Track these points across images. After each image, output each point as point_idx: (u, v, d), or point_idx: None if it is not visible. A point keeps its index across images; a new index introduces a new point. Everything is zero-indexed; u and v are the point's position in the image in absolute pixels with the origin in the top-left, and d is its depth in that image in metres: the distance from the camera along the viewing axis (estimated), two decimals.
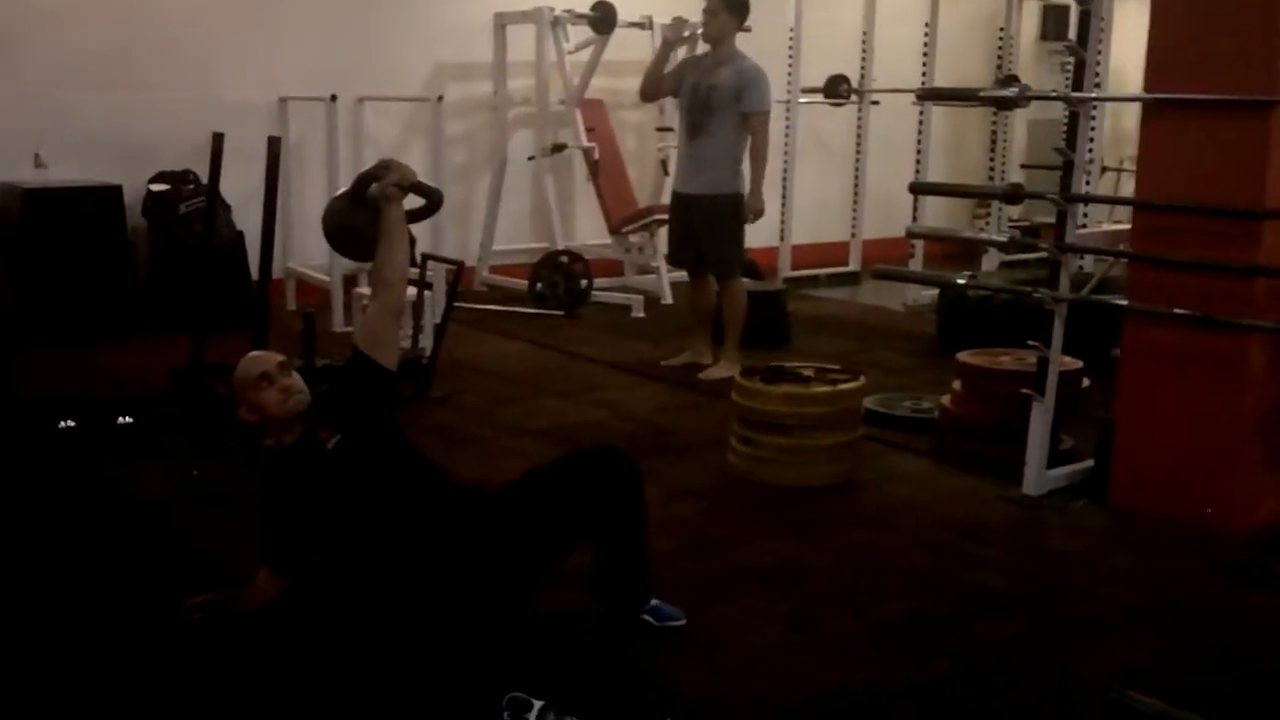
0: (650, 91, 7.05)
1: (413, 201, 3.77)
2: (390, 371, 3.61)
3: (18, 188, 7.43)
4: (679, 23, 7.00)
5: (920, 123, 9.65)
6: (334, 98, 7.88)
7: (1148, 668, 3.48)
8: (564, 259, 8.77)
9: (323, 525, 3.51)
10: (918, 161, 9.64)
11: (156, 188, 7.86)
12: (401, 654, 3.23)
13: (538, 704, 3.03)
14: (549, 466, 3.61)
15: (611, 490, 3.48)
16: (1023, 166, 11.10)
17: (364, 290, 7.50)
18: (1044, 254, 4.97)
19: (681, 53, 7.57)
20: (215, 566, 3.96)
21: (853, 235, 10.52)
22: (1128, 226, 4.87)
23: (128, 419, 5.26)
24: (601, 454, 3.61)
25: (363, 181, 3.71)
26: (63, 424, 5.14)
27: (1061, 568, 4.23)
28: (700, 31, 6.91)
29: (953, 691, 3.36)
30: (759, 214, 6.61)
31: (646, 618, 3.58)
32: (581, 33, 9.10)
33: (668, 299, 8.85)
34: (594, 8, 8.93)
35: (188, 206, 7.70)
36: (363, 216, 3.71)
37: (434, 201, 3.87)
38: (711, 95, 6.53)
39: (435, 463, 3.66)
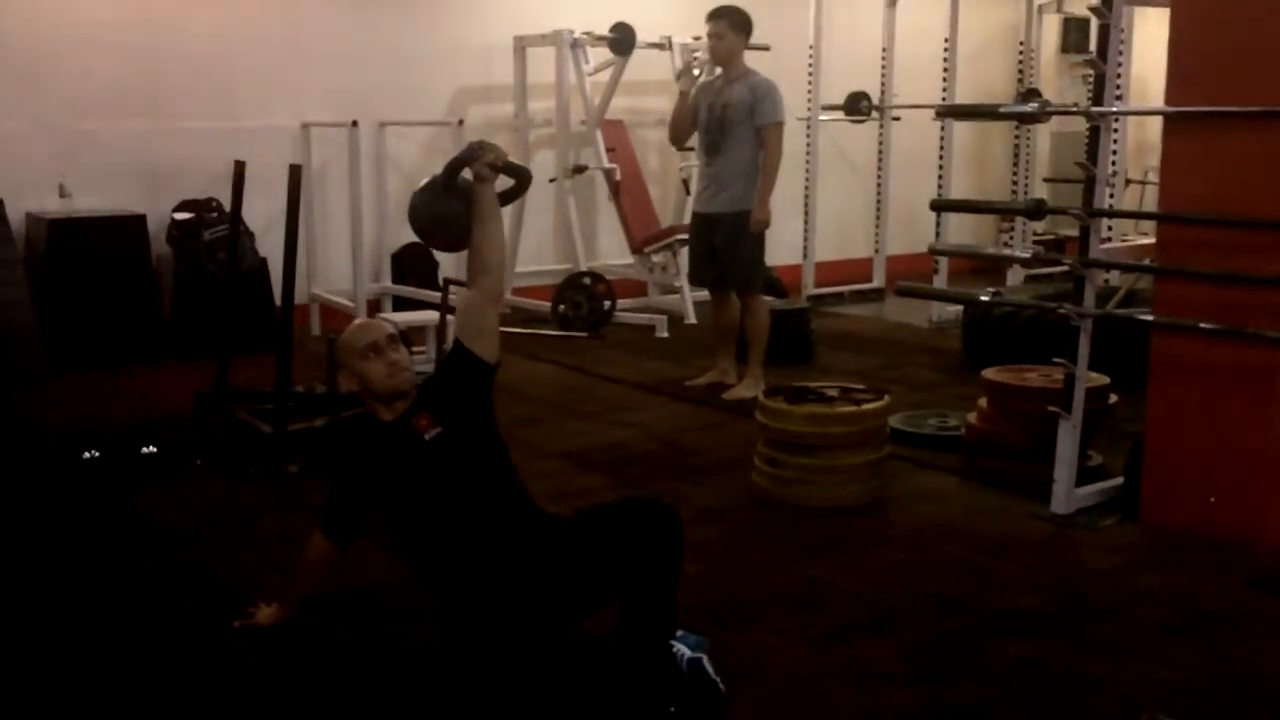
0: (679, 137, 7.08)
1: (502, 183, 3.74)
2: (491, 365, 3.56)
3: (43, 218, 7.48)
4: (688, 68, 6.98)
5: (942, 138, 9.62)
6: (355, 123, 7.91)
7: (1181, 687, 3.44)
8: (587, 280, 8.77)
9: (397, 512, 3.53)
10: (940, 177, 9.61)
11: (180, 216, 7.90)
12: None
13: None
14: (602, 514, 3.57)
15: (653, 552, 3.37)
16: (1046, 180, 11.05)
17: (388, 315, 7.54)
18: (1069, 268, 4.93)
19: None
20: (237, 593, 3.95)
21: (876, 251, 10.50)
22: (1153, 240, 4.84)
23: (152, 448, 5.26)
24: (650, 514, 3.46)
25: (455, 167, 3.65)
26: (87, 454, 5.14)
27: (1092, 586, 4.19)
28: (709, 55, 6.91)
29: (985, 714, 3.32)
30: (763, 225, 6.59)
31: (675, 646, 3.48)
32: (601, 54, 9.13)
33: (691, 318, 8.83)
34: (613, 29, 8.95)
35: (211, 234, 7.73)
36: (454, 203, 3.65)
37: (523, 181, 3.82)
38: (726, 113, 6.55)
39: (518, 476, 3.62)
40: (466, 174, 3.65)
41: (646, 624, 3.43)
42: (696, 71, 6.89)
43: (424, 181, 3.77)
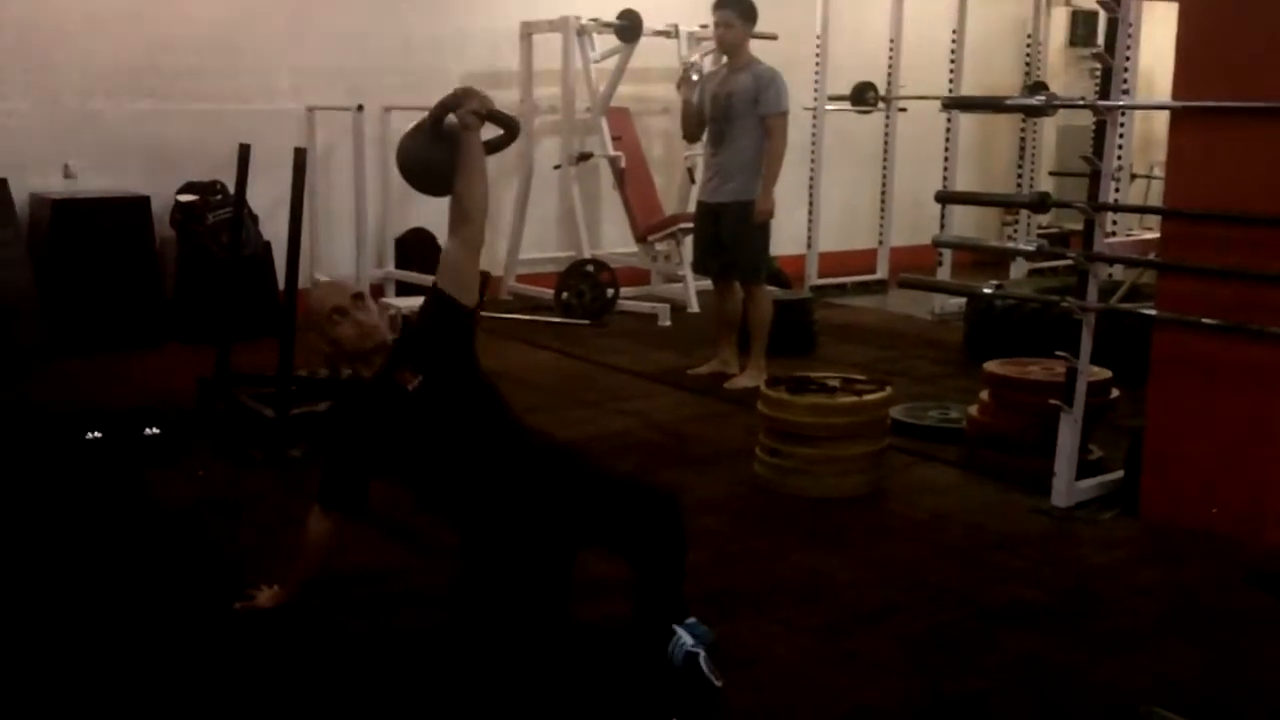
0: (693, 135, 7.10)
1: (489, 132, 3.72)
2: (469, 309, 3.58)
3: (47, 198, 7.48)
4: (686, 76, 6.97)
5: (948, 130, 9.61)
6: (360, 107, 7.90)
7: (1180, 681, 3.44)
8: (590, 268, 8.78)
9: (401, 465, 3.55)
10: (945, 168, 9.60)
11: (184, 198, 7.89)
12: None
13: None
14: (609, 482, 3.61)
15: (652, 540, 3.44)
16: (1051, 174, 11.04)
17: (390, 301, 7.55)
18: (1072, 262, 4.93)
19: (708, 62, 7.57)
20: (239, 574, 3.95)
21: (880, 243, 10.49)
22: (1157, 235, 4.84)
23: (155, 430, 5.26)
24: (658, 505, 3.51)
25: (442, 111, 3.63)
26: (90, 435, 5.14)
27: (1092, 580, 4.19)
28: (715, 43, 6.91)
29: (984, 706, 3.33)
30: (767, 215, 6.58)
31: (679, 631, 3.50)
32: (607, 41, 9.11)
33: (694, 307, 8.84)
34: (620, 16, 8.93)
35: (215, 217, 7.72)
36: (440, 150, 3.64)
37: (511, 130, 3.78)
38: (730, 103, 6.54)
39: (510, 407, 3.66)
40: (453, 121, 3.63)
41: (653, 606, 3.46)
42: (695, 77, 6.88)
43: (412, 125, 3.75)
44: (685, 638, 3.38)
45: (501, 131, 3.76)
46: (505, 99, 9.21)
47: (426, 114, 3.68)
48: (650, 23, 9.00)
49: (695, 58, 7.57)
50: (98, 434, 5.16)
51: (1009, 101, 6.02)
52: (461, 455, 3.50)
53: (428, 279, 7.56)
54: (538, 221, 9.59)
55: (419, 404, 3.50)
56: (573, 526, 3.49)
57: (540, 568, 3.46)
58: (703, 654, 3.35)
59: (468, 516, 3.55)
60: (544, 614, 3.45)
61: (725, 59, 6.80)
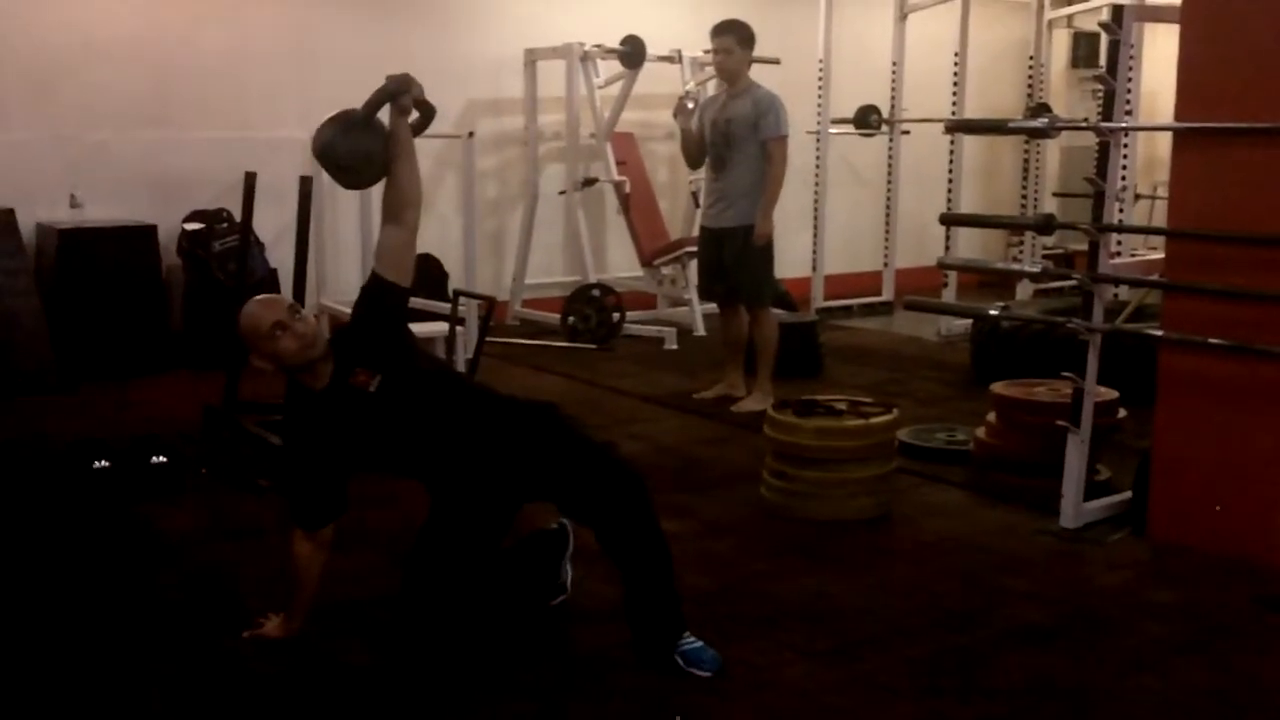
0: (694, 160, 7.12)
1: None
2: (405, 288, 3.65)
3: (54, 228, 7.50)
4: (682, 106, 6.98)
5: (951, 152, 9.62)
6: None
7: (1191, 703, 3.44)
8: (596, 292, 8.79)
9: (374, 462, 3.63)
10: (949, 190, 9.61)
11: (191, 226, 7.92)
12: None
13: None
14: (574, 438, 3.71)
15: (612, 507, 3.53)
16: (1055, 195, 11.04)
17: None
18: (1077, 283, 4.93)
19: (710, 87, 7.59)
20: (246, 601, 3.96)
21: (885, 265, 10.49)
22: (1162, 255, 4.84)
23: (161, 459, 5.27)
24: (621, 477, 3.60)
25: (380, 101, 3.64)
26: (97, 464, 5.15)
27: (1101, 601, 4.18)
28: (715, 70, 6.93)
29: None
30: (765, 237, 6.58)
31: (677, 659, 3.52)
32: (611, 67, 9.14)
33: (700, 331, 8.84)
34: (623, 42, 8.96)
35: (222, 244, 7.75)
36: (374, 139, 3.65)
37: (428, 116, 3.81)
38: (730, 128, 6.56)
39: (470, 379, 3.74)
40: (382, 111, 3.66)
41: (644, 612, 3.54)
42: (690, 105, 6.90)
43: (331, 115, 3.72)
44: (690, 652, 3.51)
45: (418, 116, 3.78)
46: (510, 125, 9.30)
47: (353, 107, 3.68)
48: (653, 49, 9.02)
49: (691, 86, 7.60)
50: (104, 463, 5.16)
51: (1012, 124, 6.01)
52: (434, 433, 3.57)
53: (434, 305, 7.65)
54: (543, 247, 9.61)
55: (384, 402, 3.53)
56: (528, 472, 3.58)
57: (484, 506, 3.59)
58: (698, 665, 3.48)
59: (439, 476, 3.64)
60: (473, 546, 3.59)
61: (725, 84, 6.82)
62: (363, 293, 3.68)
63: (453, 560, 3.58)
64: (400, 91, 3.62)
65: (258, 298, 3.67)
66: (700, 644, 3.54)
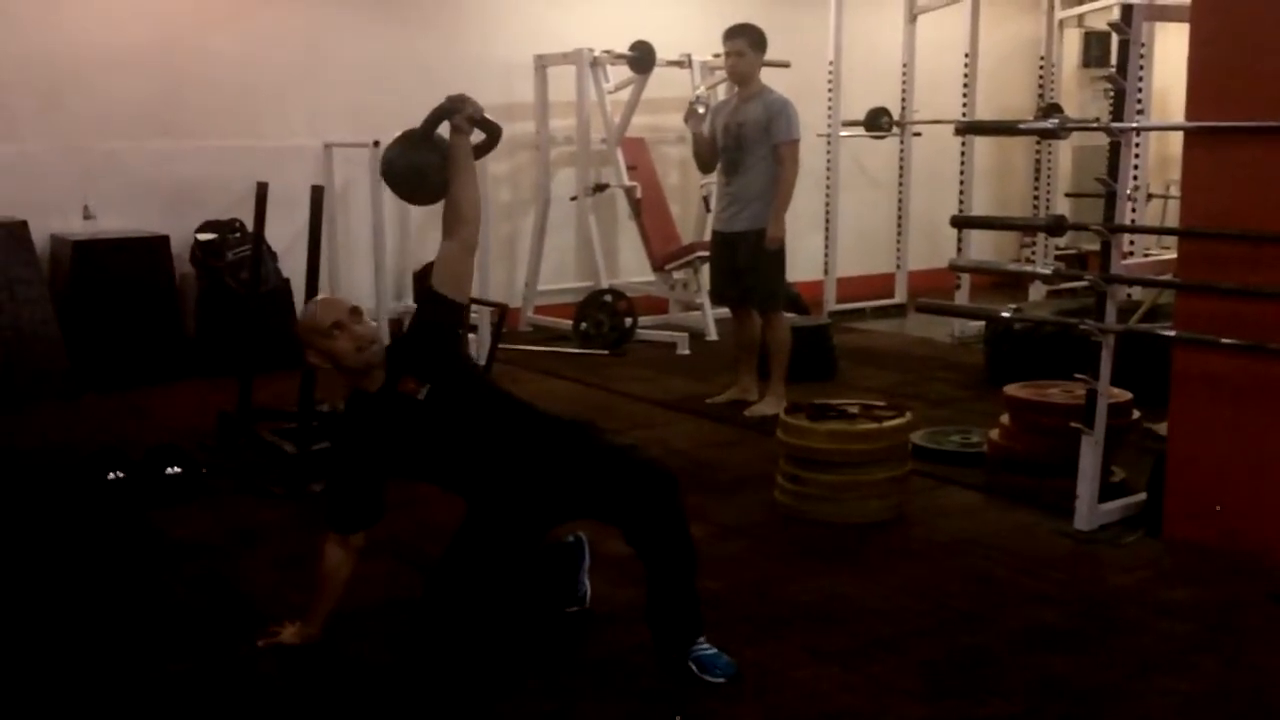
0: (706, 164, 7.13)
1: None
2: (461, 305, 3.70)
3: (68, 239, 7.53)
4: (693, 111, 6.98)
5: (963, 153, 9.60)
6: (377, 143, 7.94)
7: (1207, 702, 3.43)
8: (608, 297, 8.79)
9: (416, 468, 3.66)
10: (961, 191, 9.60)
11: (204, 236, 7.95)
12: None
13: None
14: (610, 450, 3.73)
15: (647, 510, 3.52)
16: (1067, 195, 11.02)
17: None
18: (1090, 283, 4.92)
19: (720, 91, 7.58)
20: (262, 612, 3.97)
21: (898, 267, 10.49)
22: (1175, 254, 4.83)
23: (176, 468, 5.28)
24: (650, 475, 3.60)
25: (437, 119, 3.73)
26: (112, 474, 5.17)
27: (1117, 602, 4.17)
28: (727, 73, 6.94)
29: None
30: (777, 241, 6.57)
31: (691, 665, 3.52)
32: (621, 72, 9.15)
33: (712, 335, 8.84)
34: (633, 47, 8.97)
35: (234, 254, 7.78)
36: (431, 156, 3.75)
37: (494, 135, 3.90)
38: (742, 132, 6.56)
39: (515, 395, 3.80)
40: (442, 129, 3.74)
41: (662, 611, 3.55)
42: (701, 110, 6.90)
43: (396, 135, 3.85)
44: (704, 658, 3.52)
45: (484, 136, 3.86)
46: (521, 131, 9.31)
47: (417, 125, 3.77)
48: (663, 53, 9.03)
49: (701, 90, 7.60)
50: (119, 473, 5.18)
51: (1022, 125, 6.00)
52: (478, 446, 3.60)
53: None
54: (555, 252, 9.62)
55: (431, 411, 3.57)
56: (567, 490, 3.61)
57: (519, 520, 3.63)
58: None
59: (477, 488, 3.67)
60: (503, 560, 3.64)
61: (736, 88, 6.83)
62: (418, 304, 3.77)
63: (481, 571, 3.61)
64: (454, 110, 3.71)
65: (322, 297, 3.79)
66: (715, 650, 3.54)
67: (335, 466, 3.77)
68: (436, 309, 3.68)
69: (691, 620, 3.56)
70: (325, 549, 3.68)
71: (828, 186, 9.99)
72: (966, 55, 9.49)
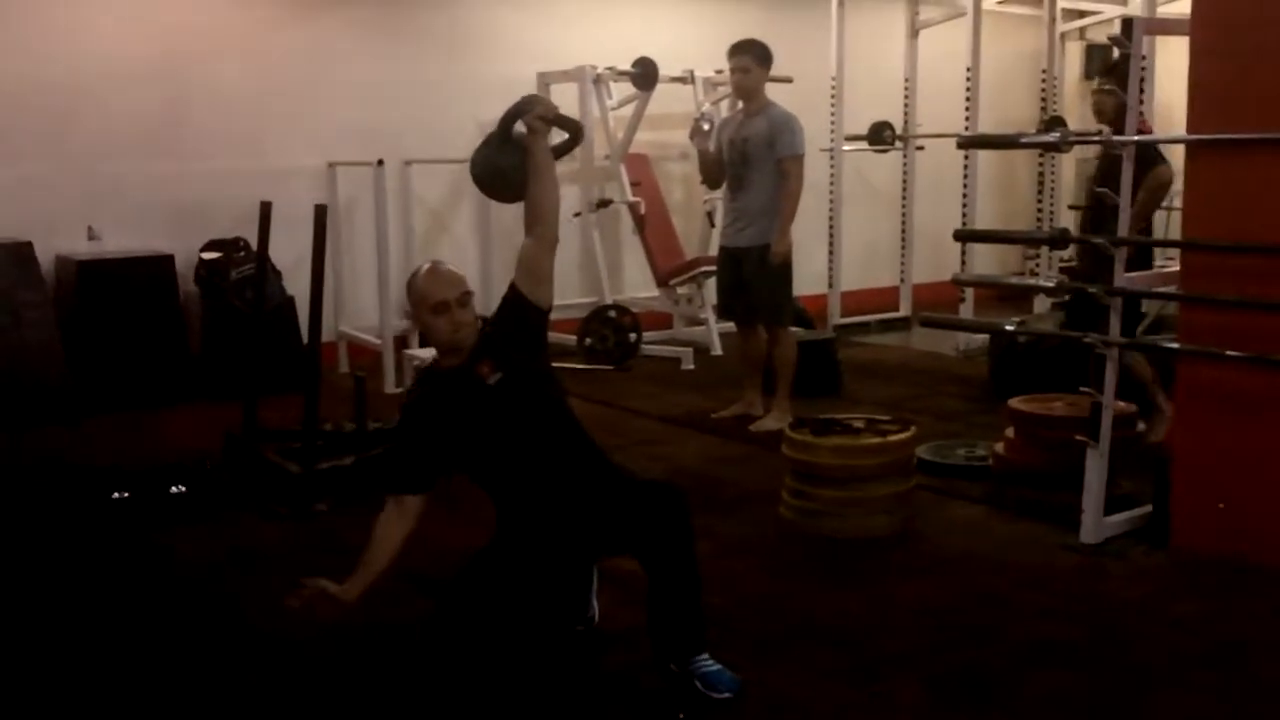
0: (713, 180, 7.14)
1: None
2: (544, 310, 3.72)
3: (72, 260, 7.55)
4: (697, 128, 6.99)
5: (966, 166, 9.60)
6: (381, 162, 7.97)
7: (1214, 716, 3.42)
8: (612, 313, 8.80)
9: (467, 451, 3.68)
10: (965, 205, 9.59)
11: (208, 255, 7.97)
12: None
13: None
14: (633, 488, 3.71)
15: (657, 527, 3.52)
16: (1071, 207, 11.02)
17: (414, 351, 7.58)
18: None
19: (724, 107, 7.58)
20: (264, 631, 3.97)
21: (902, 280, 10.49)
22: (1179, 266, 4.83)
23: (181, 488, 5.29)
24: (661, 493, 3.62)
25: (509, 120, 3.80)
26: (116, 495, 5.17)
27: (1124, 615, 4.16)
28: (732, 89, 6.96)
29: None
30: (782, 256, 6.57)
31: (696, 683, 3.52)
32: (624, 89, 9.17)
33: (717, 350, 8.84)
34: (635, 64, 8.97)
35: (239, 273, 7.79)
36: (509, 156, 3.81)
37: (576, 135, 3.94)
38: (747, 148, 6.57)
39: (577, 417, 3.80)
40: (520, 129, 3.79)
41: (663, 622, 3.56)
42: (706, 126, 6.91)
43: (484, 138, 3.92)
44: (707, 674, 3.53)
45: (566, 135, 3.92)
46: None
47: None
48: (666, 70, 9.04)
49: (706, 106, 7.61)
50: (124, 493, 5.18)
51: (1025, 139, 6.03)
52: (527, 450, 3.64)
53: None
54: (559, 268, 9.23)
55: (496, 398, 3.62)
56: (601, 539, 3.67)
57: (554, 576, 3.70)
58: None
59: (514, 505, 3.71)
60: (537, 615, 3.70)
61: (741, 103, 6.84)
62: (503, 301, 3.76)
63: (497, 595, 3.62)
64: (524, 110, 3.77)
65: (441, 268, 3.73)
66: (719, 667, 3.54)
67: (395, 434, 3.84)
68: (519, 310, 3.71)
69: (695, 634, 3.56)
70: (380, 514, 3.66)
71: (831, 200, 9.99)
72: (969, 69, 9.49)
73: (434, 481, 3.71)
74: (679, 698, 3.48)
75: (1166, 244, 7.11)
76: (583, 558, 3.81)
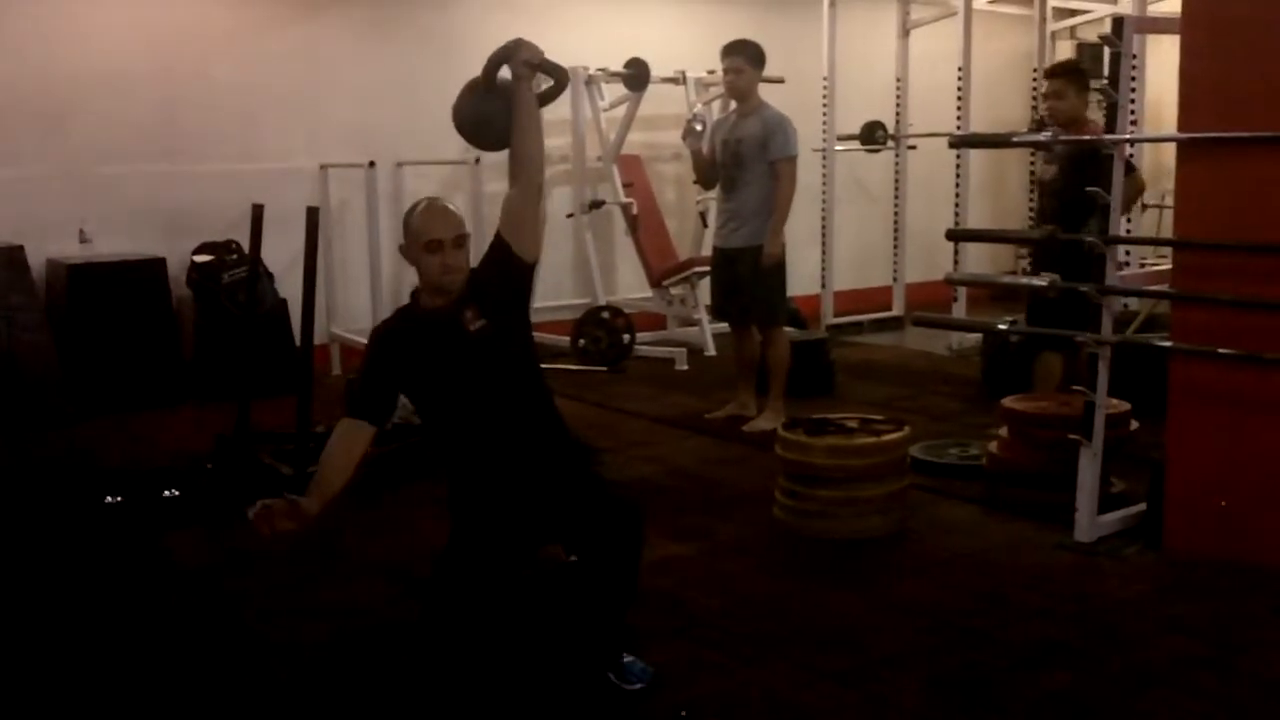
0: (707, 180, 7.15)
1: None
2: (529, 264, 3.64)
3: (64, 263, 7.53)
4: (690, 124, 6.99)
5: (958, 166, 9.62)
6: (372, 164, 7.96)
7: (1209, 717, 3.41)
8: (606, 314, 8.79)
9: (431, 394, 3.64)
10: (957, 204, 9.60)
11: (200, 258, 7.95)
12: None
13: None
14: (597, 492, 3.70)
15: (610, 539, 3.52)
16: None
17: None
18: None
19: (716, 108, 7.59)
20: (262, 633, 3.96)
21: (895, 280, 10.49)
22: (1170, 265, 4.83)
23: (174, 492, 5.28)
24: (624, 514, 3.61)
25: (494, 64, 3.71)
26: (109, 498, 5.16)
27: (1118, 615, 4.16)
28: (725, 89, 6.96)
29: None
30: (775, 257, 6.56)
31: (610, 675, 3.55)
32: (616, 90, 9.17)
33: (711, 350, 8.84)
34: (627, 65, 8.98)
35: (231, 276, 7.78)
36: (493, 102, 3.74)
37: (560, 81, 3.84)
38: (740, 149, 6.57)
39: (548, 385, 3.76)
40: (506, 75, 3.71)
41: (605, 636, 3.59)
42: (699, 127, 6.91)
43: (466, 83, 3.84)
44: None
45: (551, 82, 3.81)
46: None
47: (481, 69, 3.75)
48: (658, 70, 9.04)
49: (699, 107, 7.61)
50: (117, 497, 5.17)
51: (1016, 138, 6.03)
52: (493, 402, 3.58)
53: None
54: (552, 270, 9.60)
55: (474, 346, 3.56)
56: (548, 522, 3.60)
57: (493, 531, 3.59)
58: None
59: (467, 457, 3.65)
60: (489, 571, 3.57)
61: (734, 104, 6.84)
62: (489, 250, 3.69)
63: (472, 588, 3.59)
64: (508, 55, 3.68)
65: (439, 204, 3.67)
66: (631, 658, 3.58)
67: (364, 364, 3.75)
68: (504, 261, 3.63)
69: (626, 641, 3.59)
70: (336, 428, 3.61)
71: (824, 201, 10.00)
72: (960, 69, 9.50)
73: (388, 418, 3.64)
74: (589, 698, 3.51)
75: (1157, 242, 7.13)
76: (527, 535, 3.67)
